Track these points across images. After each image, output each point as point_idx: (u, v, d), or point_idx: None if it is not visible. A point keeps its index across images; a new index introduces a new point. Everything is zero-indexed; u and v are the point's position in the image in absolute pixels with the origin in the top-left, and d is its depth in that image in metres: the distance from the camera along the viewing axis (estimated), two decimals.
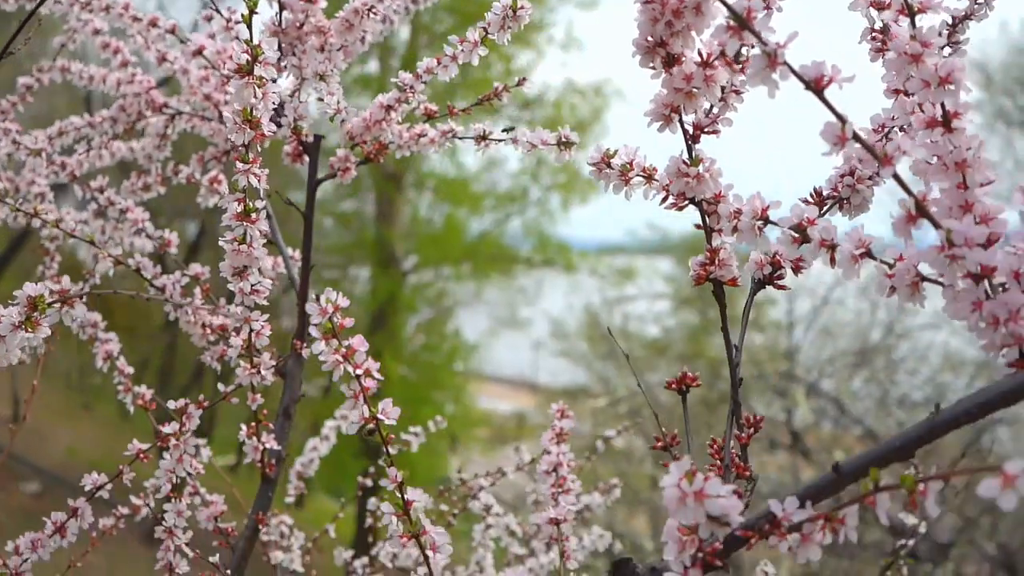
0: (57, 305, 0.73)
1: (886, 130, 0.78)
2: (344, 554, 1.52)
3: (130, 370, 1.19)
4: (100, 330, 1.21)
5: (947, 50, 0.81)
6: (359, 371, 0.69)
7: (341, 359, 0.69)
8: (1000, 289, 0.59)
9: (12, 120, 1.31)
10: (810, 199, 0.78)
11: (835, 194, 0.77)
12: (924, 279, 0.61)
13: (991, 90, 9.71)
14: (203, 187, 1.30)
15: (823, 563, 6.84)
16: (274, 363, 1.00)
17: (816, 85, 0.57)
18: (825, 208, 0.78)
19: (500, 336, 12.59)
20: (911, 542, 1.22)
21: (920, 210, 0.57)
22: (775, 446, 6.97)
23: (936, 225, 0.57)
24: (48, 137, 1.32)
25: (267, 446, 1.07)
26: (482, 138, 1.04)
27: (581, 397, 9.06)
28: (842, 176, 0.77)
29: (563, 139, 0.95)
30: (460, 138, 1.06)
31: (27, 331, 0.74)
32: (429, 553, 0.72)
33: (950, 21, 0.81)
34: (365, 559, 1.46)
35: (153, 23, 1.19)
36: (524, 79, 1.14)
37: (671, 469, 0.56)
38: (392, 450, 0.73)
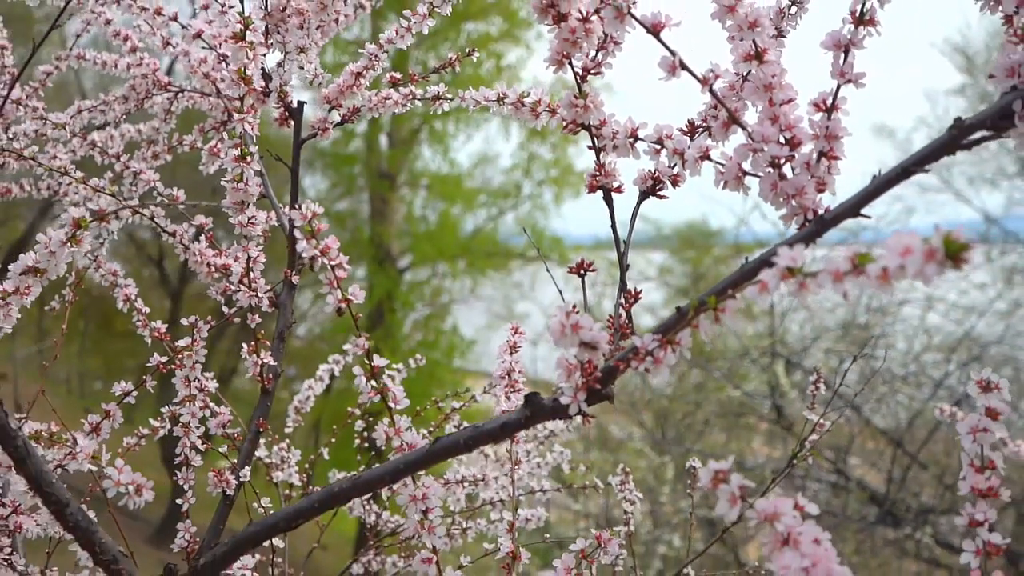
0: (96, 222, 0.94)
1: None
2: (337, 475, 1.73)
3: (147, 309, 1.40)
4: (120, 277, 1.41)
5: (793, 8, 1.02)
6: (333, 263, 0.90)
7: (319, 254, 0.90)
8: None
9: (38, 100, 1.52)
10: (684, 128, 0.98)
11: (704, 124, 0.98)
12: (746, 173, 0.82)
13: (973, 75, 9.90)
14: (204, 154, 1.51)
15: None
16: (269, 288, 1.21)
17: (655, 29, 0.78)
18: (697, 135, 0.98)
19: (498, 331, 12.78)
20: (815, 437, 1.42)
21: (732, 119, 0.78)
22: (773, 434, 7.17)
23: (744, 128, 0.78)
24: (69, 116, 1.53)
25: (265, 362, 1.28)
26: (436, 98, 1.26)
27: None
28: (708, 109, 0.98)
29: (501, 96, 1.15)
30: (419, 99, 1.28)
31: (72, 246, 0.95)
32: (391, 405, 0.93)
33: None
34: (344, 473, 1.67)
35: (158, 12, 1.40)
36: (473, 49, 1.35)
37: (555, 311, 0.77)
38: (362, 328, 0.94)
